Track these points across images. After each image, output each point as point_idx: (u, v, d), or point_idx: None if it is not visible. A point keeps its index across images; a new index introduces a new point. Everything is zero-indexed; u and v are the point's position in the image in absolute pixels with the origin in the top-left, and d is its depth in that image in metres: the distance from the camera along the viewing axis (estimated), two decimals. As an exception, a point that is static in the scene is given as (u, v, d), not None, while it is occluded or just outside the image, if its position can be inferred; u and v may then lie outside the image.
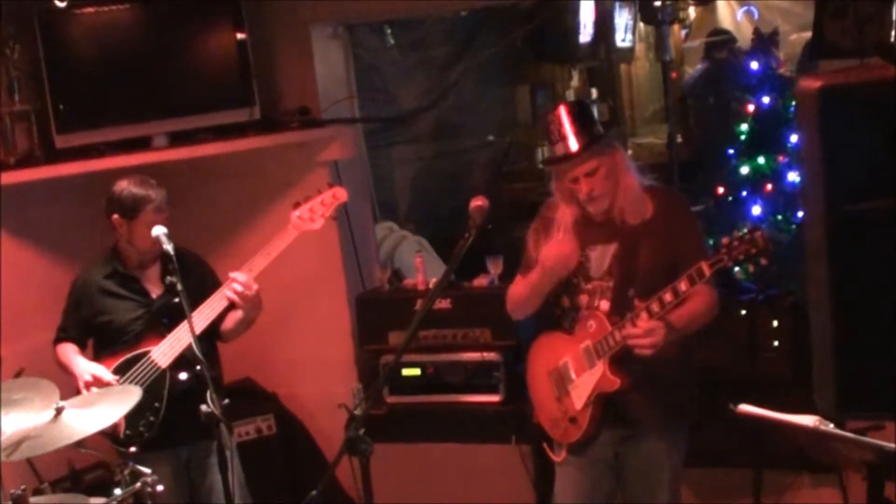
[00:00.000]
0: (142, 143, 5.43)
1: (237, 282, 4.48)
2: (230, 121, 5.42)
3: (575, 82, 9.33)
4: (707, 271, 3.65)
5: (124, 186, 4.57)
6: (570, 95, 9.23)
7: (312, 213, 4.61)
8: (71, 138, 5.44)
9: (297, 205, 4.63)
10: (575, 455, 4.16)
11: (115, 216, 4.58)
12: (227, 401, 4.01)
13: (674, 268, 3.82)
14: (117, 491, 3.82)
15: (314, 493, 3.41)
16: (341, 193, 4.70)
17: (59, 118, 5.44)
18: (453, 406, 5.43)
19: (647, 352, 3.79)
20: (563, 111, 3.91)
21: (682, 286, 3.70)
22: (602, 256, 4.00)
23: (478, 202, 3.59)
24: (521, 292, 4.25)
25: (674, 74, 8.52)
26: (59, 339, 4.75)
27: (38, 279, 5.72)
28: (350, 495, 5.77)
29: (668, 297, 3.73)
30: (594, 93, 8.98)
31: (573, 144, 3.87)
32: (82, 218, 5.87)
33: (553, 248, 4.02)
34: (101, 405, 3.90)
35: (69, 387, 4.45)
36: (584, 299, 4.03)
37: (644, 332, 3.77)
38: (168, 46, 5.49)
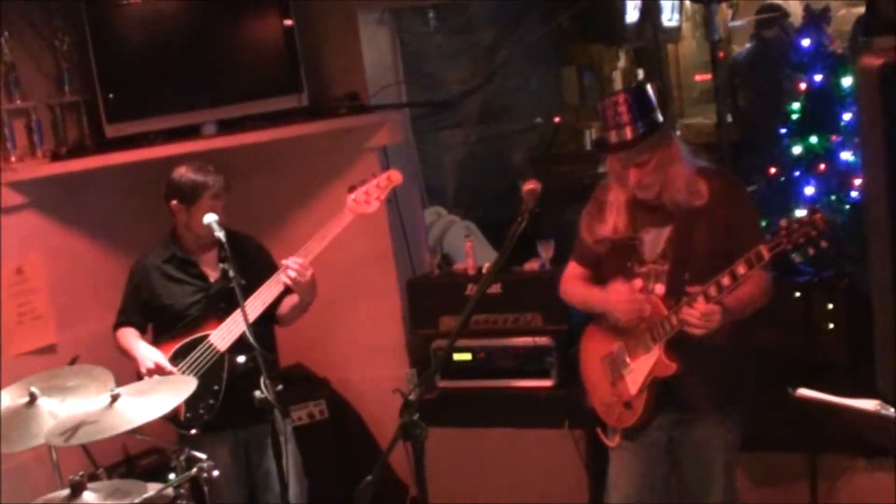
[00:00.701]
0: (191, 132, 5.46)
1: (291, 267, 4.49)
2: (279, 108, 5.43)
3: (622, 63, 9.30)
4: (766, 255, 3.59)
5: (183, 172, 4.61)
6: (617, 76, 9.19)
7: (368, 196, 4.61)
8: (121, 127, 5.48)
9: (352, 188, 4.64)
10: (629, 440, 4.14)
11: (174, 202, 4.62)
12: (280, 387, 4.03)
13: (729, 251, 3.77)
14: (171, 476, 3.84)
15: (369, 478, 3.40)
16: (396, 176, 4.70)
17: (108, 108, 5.49)
18: (505, 391, 5.40)
19: (699, 332, 3.76)
20: (622, 97, 3.84)
21: (741, 269, 3.65)
22: (656, 239, 3.96)
23: (531, 185, 3.56)
24: (573, 294, 4.27)
25: (720, 54, 8.44)
26: (119, 324, 4.80)
27: (89, 268, 5.78)
28: (402, 479, 5.80)
29: (725, 280, 3.68)
30: (641, 73, 8.94)
31: (627, 134, 3.82)
32: (133, 206, 5.93)
33: (620, 298, 3.99)
34: (156, 393, 3.92)
35: (128, 372, 4.50)
36: (638, 284, 3.98)
37: (701, 315, 3.73)
38: (215, 34, 5.51)
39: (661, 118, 3.92)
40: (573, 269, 4.29)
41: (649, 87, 4.03)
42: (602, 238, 4.05)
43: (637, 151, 3.84)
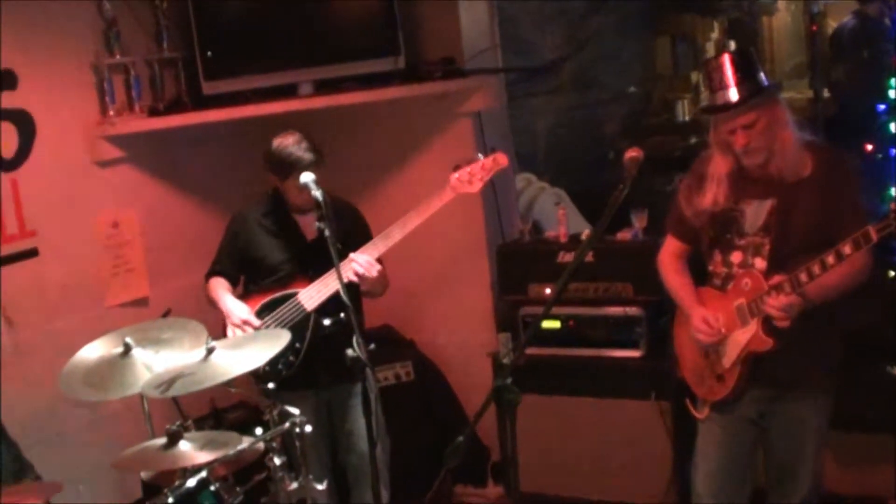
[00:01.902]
0: (287, 91, 5.47)
1: (358, 263, 4.51)
2: (375, 70, 5.42)
3: (715, 34, 9.18)
4: (874, 236, 3.51)
5: (278, 144, 4.62)
6: (710, 47, 9.08)
7: (471, 177, 4.63)
8: (218, 85, 5.53)
9: (457, 167, 4.66)
10: (718, 413, 4.11)
11: (270, 175, 4.66)
12: (372, 346, 4.05)
13: (830, 227, 3.71)
14: (258, 430, 3.88)
15: (460, 439, 3.40)
16: (502, 159, 4.70)
17: (206, 65, 5.53)
18: (593, 360, 5.37)
19: (780, 323, 3.76)
20: (726, 59, 3.81)
21: (846, 250, 3.57)
22: (757, 212, 3.90)
23: (633, 153, 3.50)
24: (667, 284, 4.25)
25: (813, 27, 8.31)
26: (211, 273, 4.86)
27: (183, 222, 5.87)
28: (484, 443, 5.82)
29: (830, 259, 3.62)
30: (733, 45, 8.81)
31: (733, 95, 3.78)
32: (227, 163, 6.00)
33: (701, 329, 3.99)
34: (250, 347, 3.96)
35: (216, 323, 4.55)
36: (737, 256, 3.94)
37: (780, 309, 3.72)
38: (315, -6, 5.52)
39: (765, 80, 3.87)
40: (671, 246, 4.25)
41: (753, 52, 3.99)
42: (702, 210, 4.00)
43: (741, 111, 3.79)
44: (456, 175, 4.64)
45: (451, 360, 5.99)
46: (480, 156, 4.69)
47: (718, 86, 3.81)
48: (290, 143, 4.61)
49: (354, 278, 4.51)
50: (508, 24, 6.73)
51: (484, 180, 4.67)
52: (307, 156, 4.58)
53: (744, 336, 3.91)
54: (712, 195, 3.95)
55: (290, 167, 4.56)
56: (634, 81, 8.43)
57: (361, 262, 4.50)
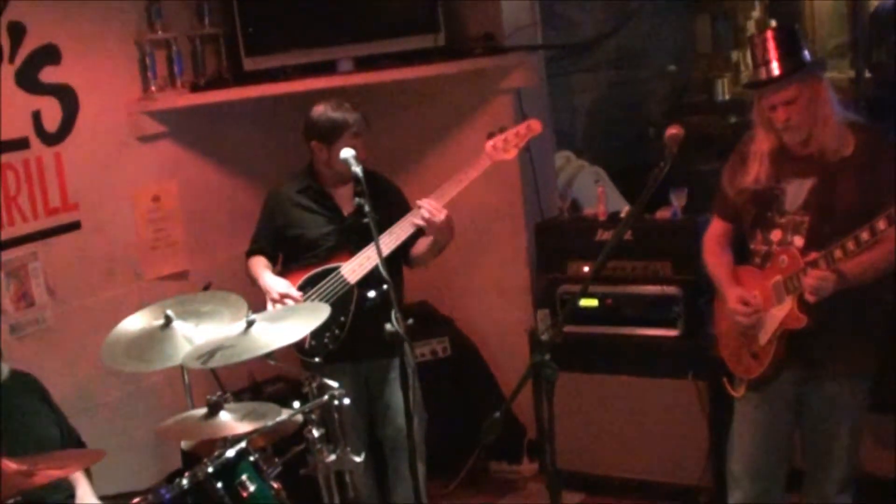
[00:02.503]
0: (327, 68, 5.48)
1: (425, 207, 4.52)
2: (415, 46, 5.42)
3: (756, 13, 9.10)
4: None
5: (321, 111, 4.65)
6: (751, 26, 9.00)
7: (506, 144, 4.63)
8: (258, 61, 5.56)
9: (491, 135, 4.66)
10: (755, 392, 4.10)
11: (315, 142, 4.67)
12: (411, 321, 4.07)
13: (870, 207, 3.68)
14: (296, 404, 3.91)
15: (497, 415, 3.41)
16: (536, 125, 4.69)
17: (247, 41, 5.56)
18: (630, 338, 5.37)
19: (811, 298, 3.75)
20: (769, 34, 3.83)
21: (881, 225, 3.57)
22: (798, 190, 3.89)
23: (673, 130, 3.50)
24: (708, 266, 4.24)
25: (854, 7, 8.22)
26: (251, 252, 4.89)
27: (222, 197, 5.90)
28: (520, 421, 5.83)
29: (864, 235, 3.61)
30: (774, 24, 8.74)
31: (775, 69, 3.78)
32: (267, 139, 6.03)
33: (738, 310, 4.00)
34: (290, 320, 3.99)
35: (256, 300, 4.57)
36: (777, 234, 3.94)
37: (814, 281, 3.71)
38: (356, -29, 5.52)
39: (809, 57, 3.87)
40: (716, 227, 4.25)
41: (797, 28, 3.99)
42: (743, 188, 4.00)
43: (783, 86, 3.79)
44: (491, 143, 4.64)
45: (487, 337, 6.01)
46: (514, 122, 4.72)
47: (762, 60, 3.82)
48: (331, 108, 4.64)
49: (422, 223, 4.53)
50: (548, 1, 6.72)
51: (519, 146, 4.67)
52: (352, 116, 4.60)
53: (779, 313, 3.90)
54: (754, 173, 3.95)
55: (341, 128, 4.60)
56: (674, 60, 8.38)
57: (428, 207, 4.51)
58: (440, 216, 4.53)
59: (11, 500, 3.31)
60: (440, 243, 4.70)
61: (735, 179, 4.04)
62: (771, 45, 3.80)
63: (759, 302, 3.95)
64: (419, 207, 4.55)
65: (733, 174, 4.06)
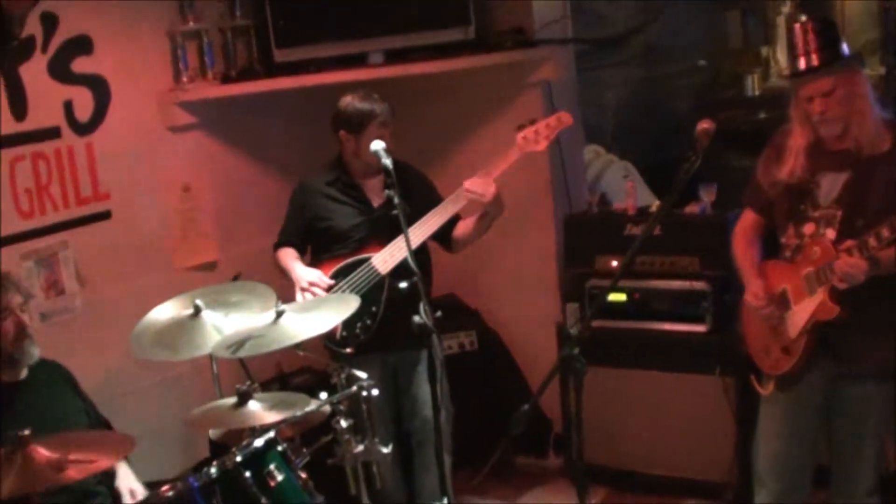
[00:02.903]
0: (358, 60, 5.49)
1: (472, 189, 4.56)
2: (445, 40, 5.42)
3: (787, 8, 9.05)
4: None
5: (349, 102, 4.67)
6: (781, 22, 8.96)
7: (537, 136, 4.63)
8: (289, 53, 5.56)
9: (521, 127, 4.66)
10: (783, 390, 4.09)
11: (342, 132, 4.68)
12: (439, 313, 4.08)
13: None
14: (323, 395, 3.92)
15: (525, 407, 3.42)
16: (566, 118, 4.70)
17: (278, 33, 5.56)
18: (657, 333, 5.36)
19: (841, 285, 3.73)
20: (809, 26, 3.82)
21: None
22: (832, 184, 3.88)
23: (705, 125, 3.49)
24: (736, 255, 4.24)
25: (885, 4, 8.16)
26: (279, 244, 4.91)
27: (252, 189, 5.92)
28: (547, 415, 5.83)
29: (885, 231, 3.60)
30: (804, 19, 8.68)
31: (814, 60, 3.78)
32: (297, 131, 6.05)
33: (755, 303, 4.02)
34: (319, 310, 4.00)
35: (284, 291, 4.58)
36: (809, 228, 3.92)
37: (847, 268, 3.69)
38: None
39: (847, 50, 3.87)
40: (747, 220, 4.24)
41: (835, 20, 3.99)
42: (778, 181, 3.99)
43: (819, 77, 3.79)
44: (521, 134, 4.64)
45: (514, 331, 6.00)
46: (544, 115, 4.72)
47: (801, 51, 3.83)
48: (358, 98, 4.66)
49: (474, 197, 4.55)
50: (580, -6, 6.71)
51: (549, 139, 4.67)
52: (379, 106, 4.62)
53: (811, 305, 3.89)
54: (790, 166, 3.94)
55: (367, 118, 4.62)
56: (704, 55, 8.35)
57: (475, 186, 4.55)
58: (490, 190, 4.56)
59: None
60: (491, 217, 4.71)
61: (769, 172, 4.03)
62: (810, 36, 3.80)
63: (791, 293, 3.94)
64: (465, 191, 4.57)
65: (768, 167, 4.05)
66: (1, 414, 3.85)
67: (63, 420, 4.04)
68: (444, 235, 4.76)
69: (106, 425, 4.24)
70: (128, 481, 4.13)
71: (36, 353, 3.98)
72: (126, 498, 4.08)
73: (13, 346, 3.91)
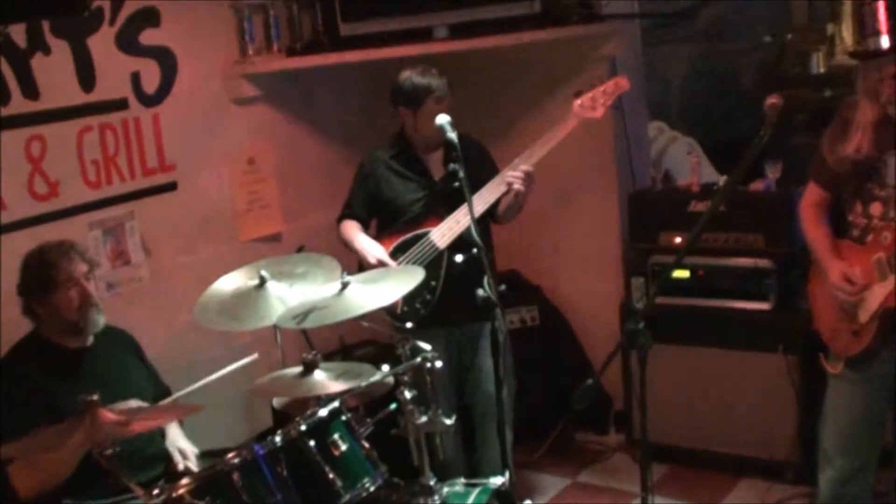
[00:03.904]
0: (423, 34, 5.47)
1: (515, 176, 4.53)
2: (510, 14, 5.38)
3: (857, -15, 8.92)
4: None
5: (407, 77, 4.67)
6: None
7: (594, 102, 4.60)
8: (355, 27, 5.55)
9: (578, 93, 4.64)
10: (852, 369, 4.04)
11: (401, 108, 4.70)
12: (503, 287, 4.08)
13: None
14: (385, 367, 3.93)
15: (590, 381, 3.41)
16: (624, 83, 4.67)
17: (343, 7, 5.56)
18: (721, 311, 5.33)
19: None
20: (881, 4, 3.75)
21: None
22: None
23: (773, 99, 3.43)
24: (807, 234, 4.18)
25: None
26: (343, 216, 4.92)
27: (316, 161, 5.96)
28: (607, 392, 5.82)
29: None
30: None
31: (884, 42, 3.72)
32: (360, 104, 6.08)
33: (839, 285, 3.94)
34: (384, 283, 4.01)
35: (348, 264, 4.59)
36: (877, 208, 3.87)
37: None
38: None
39: None
40: (812, 193, 4.16)
41: None
42: (844, 157, 3.92)
43: (890, 60, 3.72)
44: (578, 101, 4.62)
45: (576, 307, 6.00)
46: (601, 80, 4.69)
47: (871, 31, 3.76)
48: (417, 73, 4.66)
49: (514, 181, 4.54)
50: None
51: (607, 105, 4.65)
52: (436, 81, 4.62)
53: (881, 291, 3.84)
54: (856, 142, 3.87)
55: (425, 93, 4.62)
56: (769, 31, 8.23)
57: (522, 167, 4.54)
58: (530, 176, 4.55)
59: (109, 451, 3.37)
60: (519, 202, 4.69)
61: (836, 147, 3.96)
62: (881, 16, 3.73)
63: (860, 277, 3.89)
64: (509, 169, 4.57)
65: (834, 141, 3.98)
66: (67, 379, 3.92)
67: (128, 386, 4.10)
68: (491, 210, 4.74)
69: (166, 393, 4.29)
70: (177, 441, 4.18)
71: (101, 321, 4.03)
72: (176, 457, 4.13)
73: (77, 314, 3.97)
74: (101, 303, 4.07)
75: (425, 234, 4.66)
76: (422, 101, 4.63)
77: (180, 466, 4.08)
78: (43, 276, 3.95)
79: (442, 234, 4.62)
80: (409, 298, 4.52)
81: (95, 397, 3.29)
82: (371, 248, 4.69)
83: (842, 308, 3.98)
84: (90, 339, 4.08)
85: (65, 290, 3.95)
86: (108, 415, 3.47)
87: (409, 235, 4.70)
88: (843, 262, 3.96)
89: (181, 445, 4.19)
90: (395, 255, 4.68)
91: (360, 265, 4.69)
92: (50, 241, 4.06)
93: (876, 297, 3.86)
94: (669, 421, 5.34)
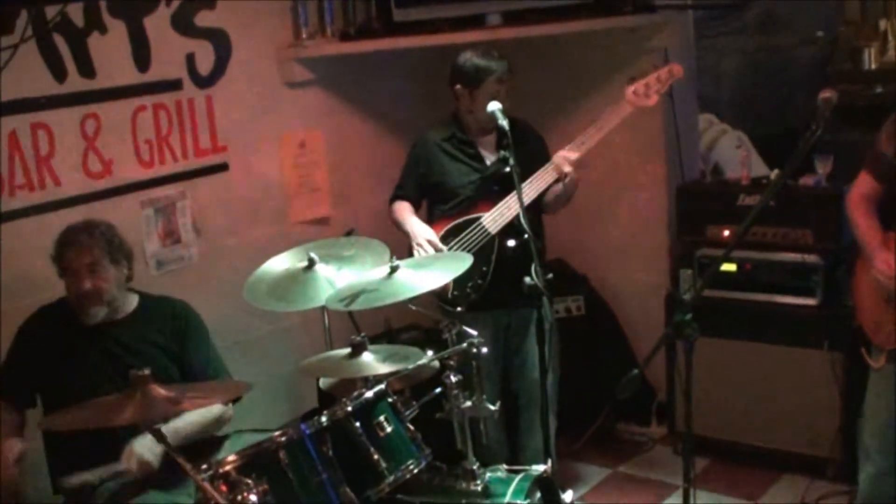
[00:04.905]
0: (476, 21, 5.49)
1: (567, 157, 4.53)
2: (565, 2, 5.39)
3: (908, -18, 8.83)
4: None
5: (468, 57, 4.68)
6: (902, -5, 8.75)
7: (647, 89, 4.60)
8: (408, 13, 5.55)
9: (632, 80, 4.64)
10: (894, 363, 4.03)
11: (458, 86, 4.70)
12: (550, 275, 4.10)
13: None
14: (430, 352, 3.95)
15: (635, 371, 3.42)
16: (678, 70, 4.67)
17: (398, -7, 5.59)
18: (767, 305, 5.32)
19: None
20: None
21: None
22: None
23: (827, 94, 3.44)
24: (854, 222, 4.19)
25: None
26: (395, 197, 4.95)
27: (366, 147, 5.99)
28: (651, 384, 5.82)
29: None
30: (926, -5, 8.47)
31: None
32: (412, 90, 6.09)
33: (883, 271, 3.97)
34: (432, 267, 4.04)
35: (397, 247, 4.62)
36: None
37: None
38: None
39: None
40: (864, 184, 4.16)
41: None
42: None
43: None
44: (632, 88, 4.62)
45: (622, 298, 6.01)
46: (655, 67, 4.68)
47: None
48: (477, 54, 4.68)
49: (562, 174, 4.55)
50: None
51: (660, 92, 4.65)
52: (498, 63, 4.63)
53: None
54: None
55: (484, 73, 4.62)
56: (822, 26, 8.17)
57: (571, 158, 4.55)
58: (566, 169, 4.56)
59: (159, 426, 3.41)
60: (568, 194, 4.71)
61: (893, 140, 3.96)
62: None
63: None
64: (561, 157, 4.58)
65: (892, 135, 3.99)
66: (76, 354, 4.01)
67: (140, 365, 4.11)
68: (541, 197, 4.74)
69: (216, 374, 4.29)
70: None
71: (101, 312, 4.06)
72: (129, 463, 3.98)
73: (76, 300, 4.04)
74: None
75: (477, 218, 4.68)
76: (482, 81, 4.64)
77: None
78: (57, 254, 4.05)
79: (493, 219, 4.64)
80: (461, 283, 4.56)
81: (147, 371, 3.32)
82: (422, 231, 4.71)
83: (886, 298, 3.97)
84: (105, 315, 4.10)
85: (67, 278, 4.03)
86: (160, 390, 3.50)
87: (460, 220, 4.72)
88: (890, 252, 3.95)
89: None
90: (446, 239, 4.70)
91: (409, 248, 4.71)
92: (90, 221, 4.13)
93: None
94: (712, 414, 5.33)
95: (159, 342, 4.19)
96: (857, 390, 4.46)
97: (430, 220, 4.85)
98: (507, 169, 4.24)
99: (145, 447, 3.81)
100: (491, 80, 4.62)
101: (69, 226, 4.09)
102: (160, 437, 3.29)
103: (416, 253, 4.64)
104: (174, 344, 4.22)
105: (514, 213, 4.45)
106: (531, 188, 4.57)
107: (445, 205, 4.79)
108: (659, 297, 5.64)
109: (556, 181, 4.64)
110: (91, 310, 4.04)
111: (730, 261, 5.34)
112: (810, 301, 5.22)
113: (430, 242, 4.64)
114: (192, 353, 4.25)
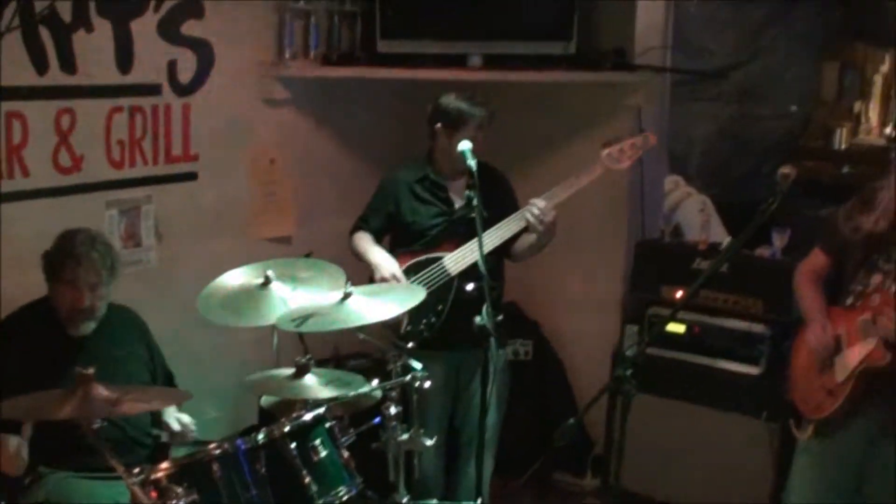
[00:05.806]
0: (457, 61, 5.57)
1: (537, 207, 4.60)
2: (546, 52, 5.48)
3: (885, 68, 8.98)
4: None
5: (452, 99, 4.73)
6: (878, 80, 8.89)
7: (622, 154, 4.69)
8: (392, 45, 5.63)
9: (607, 143, 4.71)
10: (821, 438, 4.07)
11: (439, 125, 4.75)
12: (500, 317, 4.15)
13: None
14: (374, 382, 3.99)
15: (571, 421, 3.48)
16: (653, 139, 4.78)
17: (384, 23, 5.64)
18: (711, 370, 5.37)
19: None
20: None
21: None
22: None
23: (787, 169, 3.51)
24: (798, 290, 4.27)
25: None
26: (357, 228, 4.98)
27: (335, 170, 6.02)
28: (589, 435, 5.87)
29: None
30: (901, 81, 8.61)
31: None
32: (387, 122, 6.14)
33: (812, 341, 4.03)
34: (385, 297, 4.08)
35: (358, 271, 4.66)
36: (877, 279, 3.94)
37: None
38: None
39: None
40: (816, 260, 4.25)
41: None
42: (859, 227, 4.00)
43: None
44: (606, 151, 4.70)
45: (571, 347, 6.06)
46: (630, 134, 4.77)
47: None
48: (464, 97, 4.72)
49: (532, 220, 4.61)
50: (683, 25, 6.70)
51: (633, 158, 4.74)
52: (481, 109, 4.69)
53: (863, 349, 3.89)
54: (877, 216, 3.95)
55: (468, 117, 4.68)
56: (797, 102, 8.30)
57: (540, 206, 4.60)
58: (548, 218, 4.61)
59: (96, 425, 3.43)
60: (542, 242, 4.77)
61: (854, 216, 4.04)
62: None
63: (845, 336, 3.95)
64: (530, 205, 4.62)
65: (853, 213, 4.05)
66: (58, 360, 3.98)
67: (124, 368, 4.15)
68: (507, 245, 4.79)
69: (168, 378, 4.35)
70: (175, 413, 4.23)
71: (89, 327, 4.10)
72: (174, 425, 4.19)
73: (66, 313, 4.06)
74: (104, 308, 4.14)
75: (439, 258, 4.72)
76: (463, 124, 4.68)
77: (176, 428, 4.16)
78: (56, 261, 4.04)
79: (455, 260, 4.68)
80: (415, 319, 4.61)
81: (91, 371, 3.35)
82: (386, 263, 4.74)
83: (820, 367, 4.03)
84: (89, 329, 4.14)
85: (64, 288, 4.03)
86: (102, 390, 3.53)
87: (422, 257, 4.76)
88: (828, 322, 4.04)
89: (179, 415, 4.25)
90: (407, 273, 4.73)
91: (370, 277, 4.74)
92: (89, 232, 4.14)
93: (857, 355, 3.92)
94: (646, 471, 5.36)
95: (135, 350, 4.27)
96: (790, 463, 4.51)
97: (393, 252, 4.87)
98: (473, 213, 4.29)
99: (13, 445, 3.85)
100: (472, 125, 4.67)
101: (70, 233, 4.10)
102: (97, 438, 3.32)
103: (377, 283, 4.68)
104: (144, 350, 4.30)
105: (477, 257, 4.49)
106: (497, 234, 4.63)
107: (411, 242, 4.83)
108: (607, 350, 5.68)
109: (526, 229, 4.70)
110: (82, 325, 4.07)
111: (679, 322, 5.39)
112: (754, 370, 5.28)
113: (394, 277, 4.67)
114: (157, 358, 4.36)
